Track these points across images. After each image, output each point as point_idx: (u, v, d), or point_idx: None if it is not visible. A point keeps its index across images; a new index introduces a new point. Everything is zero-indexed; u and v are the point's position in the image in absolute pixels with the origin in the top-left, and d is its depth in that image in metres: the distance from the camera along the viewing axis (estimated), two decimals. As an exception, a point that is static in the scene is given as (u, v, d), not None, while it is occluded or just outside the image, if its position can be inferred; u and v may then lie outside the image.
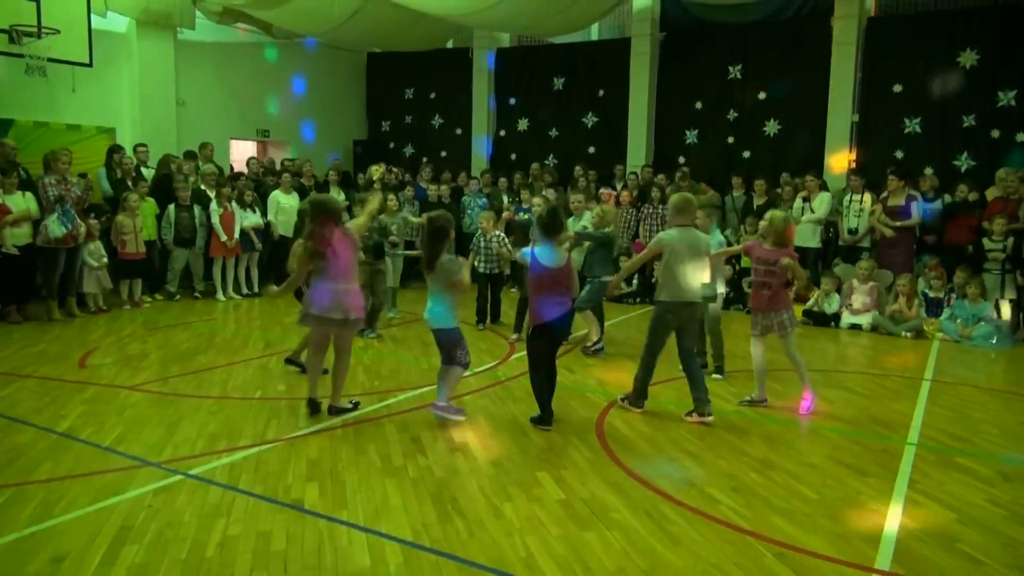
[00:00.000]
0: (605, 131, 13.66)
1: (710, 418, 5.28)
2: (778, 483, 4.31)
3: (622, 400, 5.59)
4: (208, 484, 4.17)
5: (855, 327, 9.10)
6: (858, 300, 9.17)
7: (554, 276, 5.04)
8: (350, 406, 5.42)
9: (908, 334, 8.76)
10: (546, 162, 13.75)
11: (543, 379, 5.18)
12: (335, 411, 5.31)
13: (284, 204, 10.96)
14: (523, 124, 14.70)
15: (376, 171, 10.14)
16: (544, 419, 5.18)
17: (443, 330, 5.10)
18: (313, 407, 5.32)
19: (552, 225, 5.07)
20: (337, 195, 12.05)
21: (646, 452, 4.76)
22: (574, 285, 5.12)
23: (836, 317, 9.29)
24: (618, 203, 11.51)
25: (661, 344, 5.39)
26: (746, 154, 12.45)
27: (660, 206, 10.78)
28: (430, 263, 5.01)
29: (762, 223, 5.68)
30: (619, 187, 12.12)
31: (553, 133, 14.26)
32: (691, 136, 12.92)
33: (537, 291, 5.04)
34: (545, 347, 5.10)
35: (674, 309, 5.26)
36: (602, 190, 11.55)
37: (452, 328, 5.12)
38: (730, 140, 12.63)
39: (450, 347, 5.17)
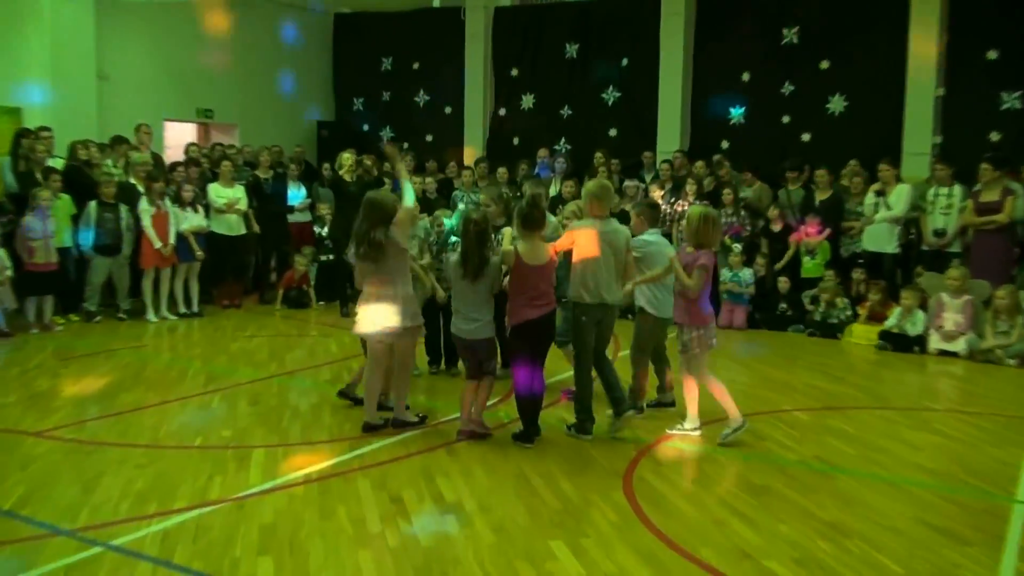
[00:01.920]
0: (630, 110, 13.72)
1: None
2: (853, 553, 4.26)
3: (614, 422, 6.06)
4: (135, 558, 4.11)
5: (946, 353, 9.05)
6: (949, 319, 9.15)
7: (538, 274, 5.66)
8: (416, 419, 6.14)
9: (1013, 361, 8.70)
10: (556, 148, 13.80)
11: (528, 381, 5.76)
12: (399, 424, 6.06)
13: (222, 200, 11.02)
14: (527, 101, 14.78)
15: (347, 160, 10.18)
16: (526, 435, 5.81)
17: (486, 340, 5.82)
18: (370, 429, 6.00)
19: (532, 218, 5.68)
20: (298, 191, 12.09)
21: (686, 513, 4.71)
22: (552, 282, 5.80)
23: (921, 340, 9.26)
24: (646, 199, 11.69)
25: (590, 348, 5.93)
26: (805, 137, 12.50)
27: (697, 201, 10.76)
28: (479, 270, 5.63)
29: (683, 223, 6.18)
30: (648, 179, 12.13)
31: (565, 112, 14.34)
32: (736, 115, 12.97)
33: (519, 291, 5.68)
34: (527, 349, 5.70)
35: (587, 311, 5.83)
36: (627, 183, 11.56)
37: (492, 336, 5.89)
38: (785, 120, 12.67)
39: (486, 358, 5.87)
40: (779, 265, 10.61)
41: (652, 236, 6.40)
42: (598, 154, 12.22)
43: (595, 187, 5.96)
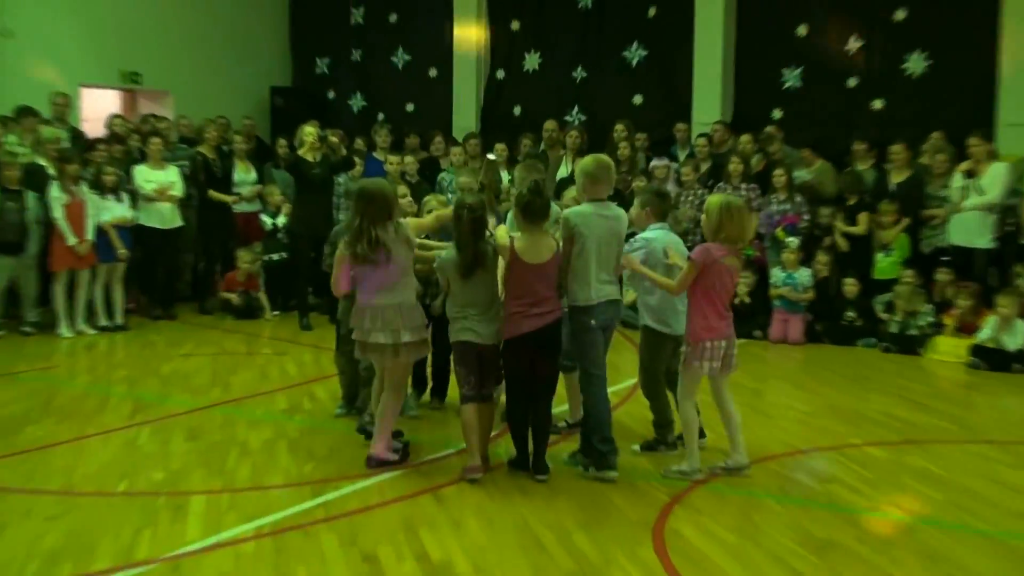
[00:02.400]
0: (658, 72, 13.69)
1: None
2: (942, 625, 4.19)
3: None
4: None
5: (1054, 372, 9.04)
6: (1058, 330, 9.09)
7: (539, 275, 5.85)
8: (395, 457, 6.20)
9: None
10: (568, 118, 13.73)
11: (522, 408, 6.05)
12: (375, 463, 6.14)
13: (151, 185, 11.00)
14: (532, 61, 14.79)
15: (308, 135, 10.14)
16: (520, 462, 6.09)
17: (498, 346, 6.03)
18: (380, 464, 6.13)
19: (533, 207, 5.85)
20: (246, 173, 12.05)
21: (732, 575, 4.66)
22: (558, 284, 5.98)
23: (1022, 357, 9.21)
24: (679, 183, 11.56)
25: (601, 364, 6.03)
26: (877, 104, 12.42)
27: (744, 185, 10.68)
28: (478, 262, 5.84)
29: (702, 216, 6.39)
30: (681, 157, 12.01)
31: (579, 75, 14.34)
32: (791, 77, 12.93)
33: (515, 296, 5.87)
34: (524, 362, 5.91)
35: (594, 312, 5.93)
36: (654, 162, 11.48)
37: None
38: (851, 83, 12.60)
39: (496, 373, 6.12)
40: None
41: (655, 232, 6.41)
42: (619, 127, 12.13)
43: (591, 165, 6.10)
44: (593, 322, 5.94)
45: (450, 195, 11.47)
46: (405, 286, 6.06)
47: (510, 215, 6.52)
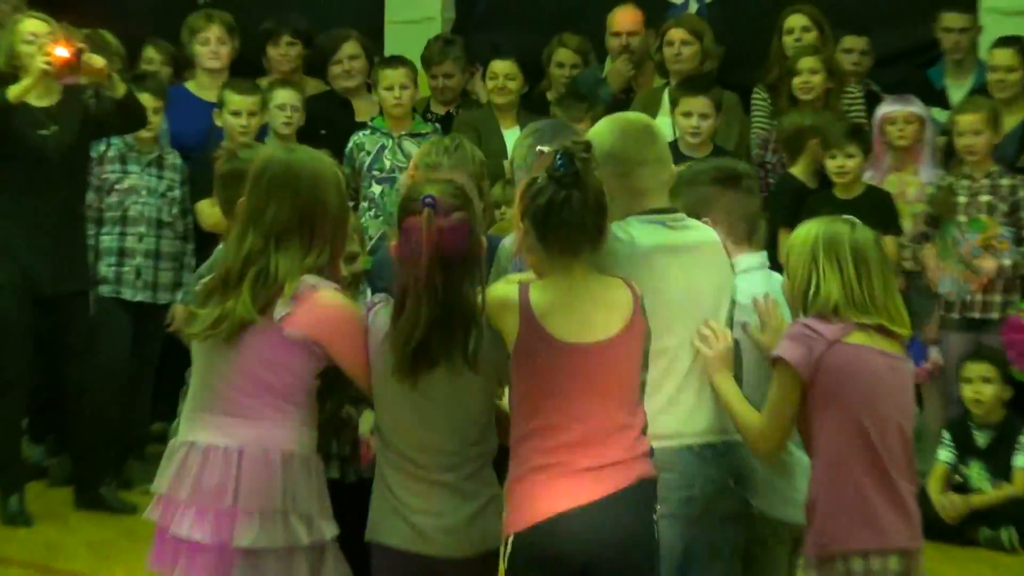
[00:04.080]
0: None
1: None
2: None
3: None
4: None
5: None
6: None
7: (591, 370, 3.19)
8: None
9: None
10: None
11: None
12: None
13: None
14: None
15: (24, 40, 5.63)
16: None
17: (481, 557, 3.45)
18: None
19: (561, 218, 3.14)
20: None
21: None
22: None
23: None
24: (946, 159, 6.81)
25: None
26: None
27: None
28: (446, 342, 3.24)
29: None
30: (953, 92, 7.01)
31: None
32: None
33: (535, 423, 3.18)
34: None
35: (679, 465, 3.50)
36: (890, 107, 6.96)
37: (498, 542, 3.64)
38: None
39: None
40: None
41: (749, 273, 3.97)
42: (795, 17, 7.08)
43: (615, 136, 3.62)
44: (678, 504, 3.42)
45: (377, 190, 7.00)
46: (300, 413, 3.36)
47: (506, 241, 3.95)
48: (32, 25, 5.97)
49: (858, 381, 3.31)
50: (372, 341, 3.26)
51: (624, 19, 7.33)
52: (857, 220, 3.64)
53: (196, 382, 3.36)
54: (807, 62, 6.56)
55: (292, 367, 3.19)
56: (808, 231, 3.49)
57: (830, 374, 3.27)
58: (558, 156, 3.13)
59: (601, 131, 3.62)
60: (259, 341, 3.13)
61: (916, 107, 6.60)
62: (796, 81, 6.50)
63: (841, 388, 3.31)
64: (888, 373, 3.36)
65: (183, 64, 7.56)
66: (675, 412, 3.53)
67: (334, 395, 3.50)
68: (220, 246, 3.83)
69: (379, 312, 3.28)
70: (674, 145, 5.69)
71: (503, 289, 3.25)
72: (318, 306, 3.12)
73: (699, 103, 6.38)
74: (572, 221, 3.09)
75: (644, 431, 3.24)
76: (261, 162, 3.33)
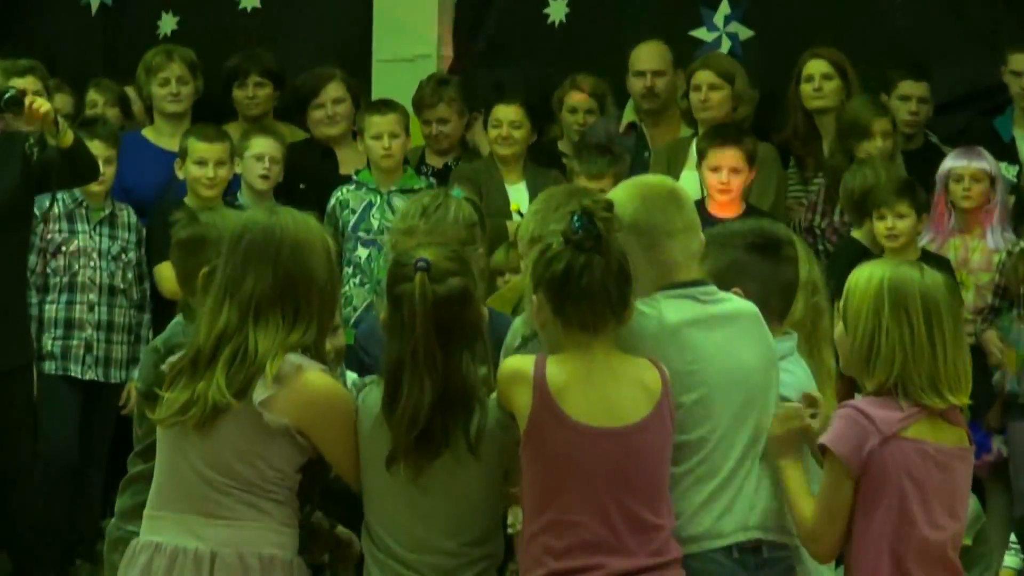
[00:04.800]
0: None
1: None
2: None
3: None
4: None
5: None
6: None
7: (615, 459, 3.18)
8: None
9: None
10: (700, 33, 9.11)
11: None
12: None
13: None
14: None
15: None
16: None
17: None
18: None
19: (581, 286, 3.14)
20: None
21: None
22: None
23: None
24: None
25: None
26: None
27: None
28: (441, 427, 3.26)
29: None
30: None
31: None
32: None
33: (550, 518, 3.15)
34: None
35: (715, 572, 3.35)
36: (955, 162, 6.62)
37: None
38: None
39: None
40: None
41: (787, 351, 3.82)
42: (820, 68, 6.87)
43: (639, 204, 3.50)
44: None
45: (365, 256, 6.64)
46: (278, 513, 3.32)
47: (517, 321, 3.80)
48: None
49: (914, 478, 3.20)
50: (362, 428, 3.23)
51: (650, 56, 6.94)
52: (925, 265, 3.49)
53: (161, 475, 3.28)
54: (880, 124, 6.45)
55: (271, 459, 3.10)
56: (872, 275, 3.27)
57: (877, 475, 3.13)
58: (575, 217, 3.08)
59: (620, 198, 3.40)
60: (234, 429, 3.05)
61: (986, 162, 6.34)
62: (867, 146, 6.37)
63: (886, 492, 3.19)
64: (942, 478, 3.26)
65: (130, 107, 7.34)
66: (713, 509, 3.32)
67: (314, 496, 3.38)
68: (177, 317, 3.75)
69: (369, 393, 3.20)
70: (700, 204, 5.51)
71: (517, 361, 3.22)
72: (305, 390, 3.02)
73: (729, 156, 6.12)
74: (593, 290, 3.02)
75: (674, 534, 3.22)
76: (239, 227, 3.25)
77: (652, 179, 4.01)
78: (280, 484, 3.16)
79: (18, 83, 5.91)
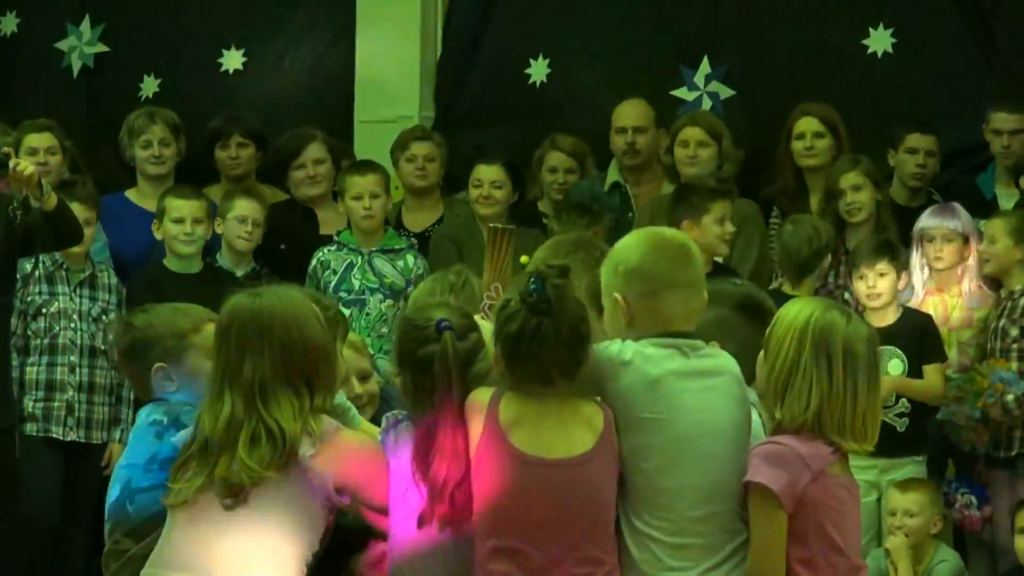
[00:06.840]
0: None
1: None
2: None
3: None
4: None
5: None
6: None
7: (556, 490, 3.33)
8: None
9: None
10: (685, 93, 9.15)
11: None
12: None
13: None
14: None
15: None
16: None
17: None
18: None
19: (527, 339, 3.22)
20: None
21: None
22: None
23: None
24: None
25: None
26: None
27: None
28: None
29: None
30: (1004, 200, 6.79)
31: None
32: None
33: (498, 538, 3.24)
34: None
35: None
36: (933, 220, 6.67)
37: None
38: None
39: None
40: None
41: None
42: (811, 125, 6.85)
43: (643, 253, 3.57)
44: None
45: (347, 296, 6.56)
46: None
47: None
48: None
49: (834, 521, 3.27)
50: (396, 475, 3.30)
51: (631, 113, 6.97)
52: (853, 312, 3.62)
53: (167, 554, 3.22)
54: (849, 179, 6.36)
55: (304, 528, 3.18)
56: (801, 311, 3.37)
57: (810, 511, 3.18)
58: (531, 280, 3.15)
59: (630, 244, 3.50)
60: (265, 502, 3.08)
61: (957, 222, 6.23)
62: (842, 204, 6.30)
63: (819, 528, 3.25)
64: (856, 512, 3.41)
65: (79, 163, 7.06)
66: (671, 558, 3.33)
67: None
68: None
69: (401, 437, 3.31)
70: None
71: (482, 392, 3.28)
72: (343, 444, 3.13)
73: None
74: (542, 354, 3.11)
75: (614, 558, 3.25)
76: (225, 315, 3.29)
77: (666, 231, 4.01)
78: (301, 557, 3.22)
79: (35, 139, 6.14)
